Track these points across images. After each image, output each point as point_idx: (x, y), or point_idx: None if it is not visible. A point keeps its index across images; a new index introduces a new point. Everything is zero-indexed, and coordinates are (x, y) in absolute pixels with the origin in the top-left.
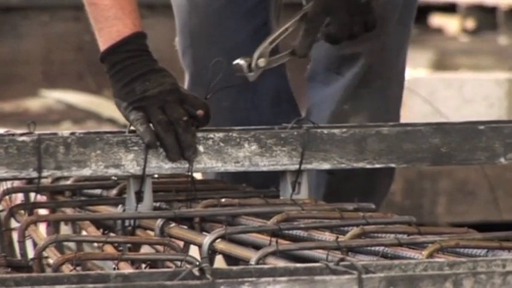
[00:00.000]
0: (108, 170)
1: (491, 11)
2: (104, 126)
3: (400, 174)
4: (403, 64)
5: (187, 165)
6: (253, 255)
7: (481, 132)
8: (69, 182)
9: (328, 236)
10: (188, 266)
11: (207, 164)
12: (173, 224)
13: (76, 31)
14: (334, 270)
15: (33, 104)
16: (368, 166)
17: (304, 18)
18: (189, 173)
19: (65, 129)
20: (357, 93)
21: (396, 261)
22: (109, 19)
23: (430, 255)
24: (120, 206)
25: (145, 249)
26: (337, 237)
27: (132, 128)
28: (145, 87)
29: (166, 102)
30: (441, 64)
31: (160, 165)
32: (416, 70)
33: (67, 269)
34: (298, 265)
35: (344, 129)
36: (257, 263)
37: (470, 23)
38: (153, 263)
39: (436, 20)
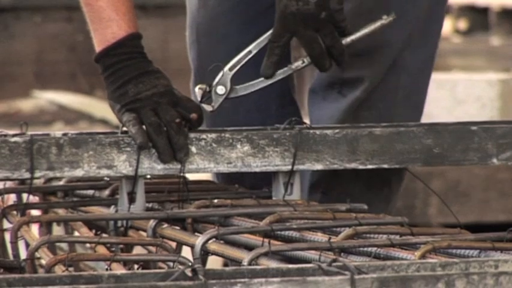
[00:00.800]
0: (101, 171)
1: (483, 11)
2: (96, 126)
3: None
4: (419, 85)
5: (179, 166)
6: (245, 256)
7: (473, 133)
8: (61, 183)
9: (320, 237)
10: (181, 266)
11: (199, 165)
12: (166, 225)
13: (68, 32)
14: (326, 271)
15: (26, 104)
16: (360, 167)
17: (269, 38)
18: (182, 174)
19: (57, 130)
20: (356, 115)
21: (389, 262)
22: (103, 20)
23: (423, 256)
24: (112, 206)
25: (137, 250)
26: (330, 238)
27: (124, 129)
28: (138, 89)
29: (159, 104)
30: None
31: (152, 166)
32: None
33: (59, 270)
34: (291, 266)
35: (336, 130)
36: (249, 264)
37: (463, 24)
38: (145, 264)
39: None
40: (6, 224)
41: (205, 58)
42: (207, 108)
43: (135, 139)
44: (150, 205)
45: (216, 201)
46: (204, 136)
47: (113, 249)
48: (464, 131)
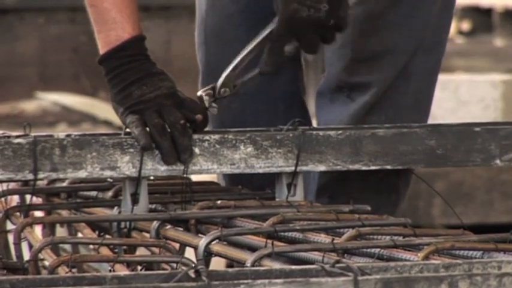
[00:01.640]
0: (104, 172)
1: (487, 12)
2: (99, 128)
3: None
4: (428, 90)
5: (182, 167)
6: (249, 257)
7: (476, 134)
8: (64, 184)
9: (323, 238)
10: (184, 268)
11: (202, 166)
12: (169, 226)
13: (72, 33)
14: (329, 272)
15: (29, 106)
16: (364, 168)
17: (269, 36)
18: (185, 175)
19: (61, 131)
20: (365, 120)
21: (392, 263)
22: (108, 22)
23: (426, 257)
24: (115, 208)
25: (141, 251)
26: (333, 239)
27: (127, 130)
28: (142, 91)
29: (163, 105)
30: None
31: (156, 167)
32: None
33: (63, 271)
34: (294, 267)
35: (339, 131)
36: (253, 265)
37: (466, 25)
38: (148, 265)
39: None
40: (9, 225)
41: (213, 60)
42: (213, 111)
43: (138, 141)
44: (153, 206)
45: (219, 202)
46: (207, 137)
47: (116, 250)
48: (467, 132)
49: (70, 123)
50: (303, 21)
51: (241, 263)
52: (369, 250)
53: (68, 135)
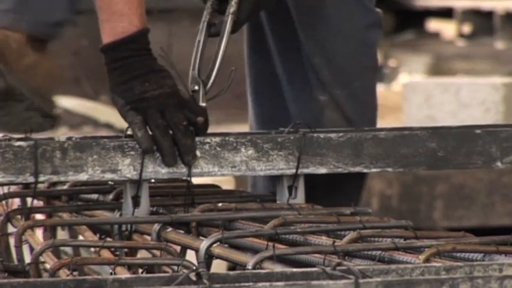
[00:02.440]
0: (105, 175)
1: (488, 15)
2: (100, 131)
3: (396, 179)
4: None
5: (184, 170)
6: (250, 260)
7: (477, 137)
8: (65, 187)
9: (325, 241)
10: (185, 270)
11: (203, 169)
12: (170, 229)
13: (73, 36)
14: (331, 275)
15: None
16: (365, 170)
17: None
18: (186, 178)
19: (62, 134)
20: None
21: (393, 266)
22: (115, 14)
23: (427, 260)
24: (116, 210)
25: (142, 254)
26: (334, 242)
27: (128, 132)
28: (144, 88)
29: (166, 106)
30: (438, 69)
31: (157, 170)
32: (413, 75)
33: (64, 274)
34: (295, 270)
35: (341, 134)
36: (254, 268)
37: (467, 28)
38: (150, 268)
39: (433, 24)
40: (10, 228)
41: None
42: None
43: (140, 143)
44: (154, 209)
45: (220, 205)
46: (208, 140)
47: (117, 253)
48: (468, 134)
49: (71, 126)
50: None
51: (242, 266)
52: (370, 252)
53: (69, 138)
